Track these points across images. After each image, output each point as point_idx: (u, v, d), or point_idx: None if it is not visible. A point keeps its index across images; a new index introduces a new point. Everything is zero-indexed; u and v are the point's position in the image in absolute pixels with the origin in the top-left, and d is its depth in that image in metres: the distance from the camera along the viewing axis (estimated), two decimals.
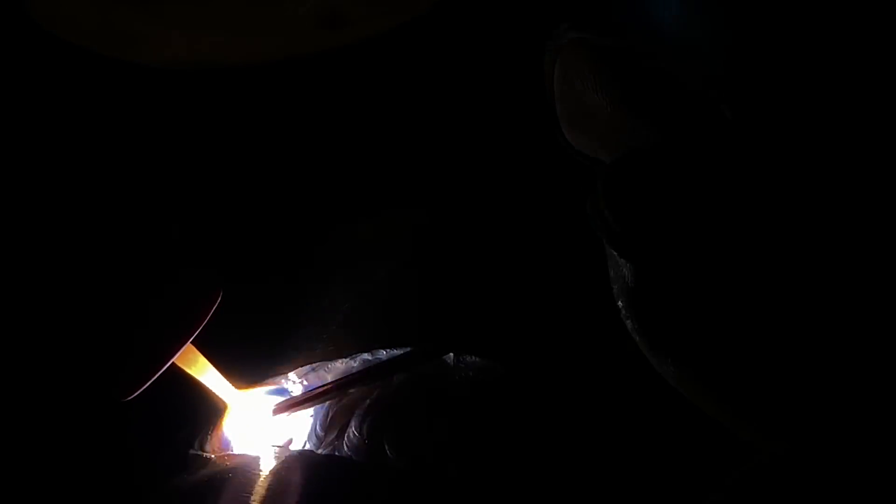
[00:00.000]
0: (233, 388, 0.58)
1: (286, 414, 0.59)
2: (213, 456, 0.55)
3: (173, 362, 0.52)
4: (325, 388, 0.59)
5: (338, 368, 0.60)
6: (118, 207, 0.52)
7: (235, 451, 0.57)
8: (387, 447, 0.55)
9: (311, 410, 0.60)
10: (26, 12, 0.54)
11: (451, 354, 0.60)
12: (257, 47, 0.62)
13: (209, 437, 0.58)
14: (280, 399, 0.60)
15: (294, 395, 0.61)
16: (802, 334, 0.39)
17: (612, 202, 0.40)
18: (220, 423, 0.59)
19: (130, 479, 0.55)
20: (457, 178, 0.68)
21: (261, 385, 0.61)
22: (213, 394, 0.57)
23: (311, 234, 0.66)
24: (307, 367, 0.61)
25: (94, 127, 0.56)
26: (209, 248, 0.61)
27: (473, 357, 0.59)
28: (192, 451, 0.56)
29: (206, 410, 0.58)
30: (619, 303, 0.43)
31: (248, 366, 0.60)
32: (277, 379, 0.61)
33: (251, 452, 0.56)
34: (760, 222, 0.39)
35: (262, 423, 0.59)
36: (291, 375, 0.61)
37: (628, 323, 0.43)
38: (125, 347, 0.50)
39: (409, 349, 0.59)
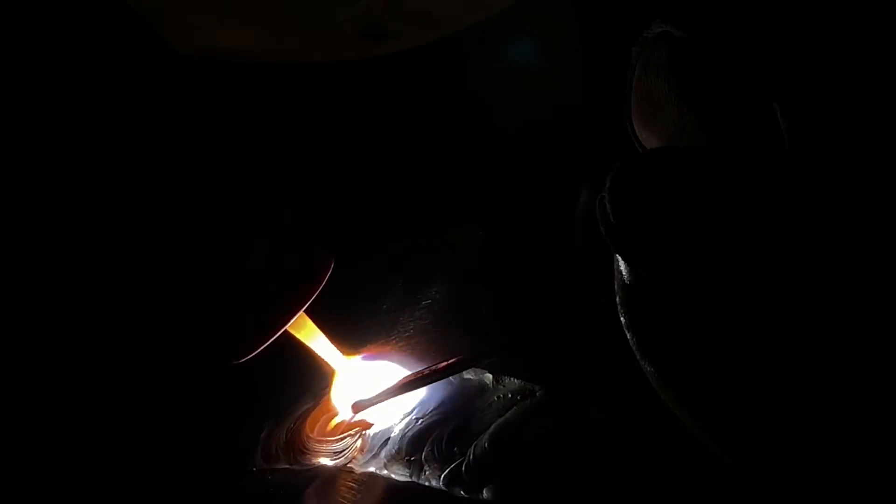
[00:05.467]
0: (340, 354, 0.64)
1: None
2: (254, 470, 0.60)
3: (286, 328, 0.58)
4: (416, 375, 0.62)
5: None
6: (231, 186, 0.56)
7: (276, 466, 0.61)
8: (425, 466, 0.57)
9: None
10: None
11: (490, 375, 0.61)
12: (298, 46, 0.64)
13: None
14: (378, 367, 0.66)
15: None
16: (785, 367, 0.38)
17: (615, 194, 0.39)
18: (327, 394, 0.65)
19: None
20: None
21: (364, 353, 0.67)
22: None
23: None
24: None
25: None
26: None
27: (512, 379, 0.60)
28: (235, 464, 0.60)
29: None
30: (617, 298, 0.43)
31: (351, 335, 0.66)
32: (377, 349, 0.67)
33: (294, 467, 0.61)
34: (766, 251, 0.38)
35: (365, 388, 0.64)
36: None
37: (622, 319, 0.43)
38: (242, 311, 0.56)
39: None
